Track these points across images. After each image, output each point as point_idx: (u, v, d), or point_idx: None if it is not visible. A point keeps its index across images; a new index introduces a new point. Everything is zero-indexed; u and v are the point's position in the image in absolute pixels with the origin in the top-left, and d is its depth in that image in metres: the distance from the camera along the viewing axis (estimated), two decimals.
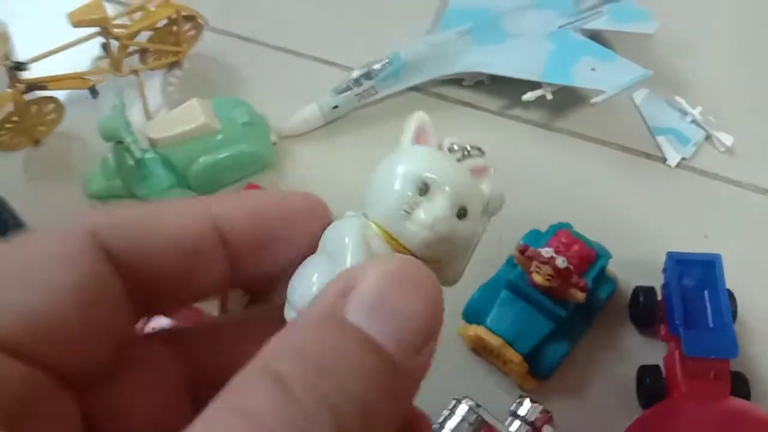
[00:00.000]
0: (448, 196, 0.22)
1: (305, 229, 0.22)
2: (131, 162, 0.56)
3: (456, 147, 0.24)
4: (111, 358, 0.19)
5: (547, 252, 0.46)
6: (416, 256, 0.21)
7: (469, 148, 0.24)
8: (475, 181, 0.23)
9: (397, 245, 0.22)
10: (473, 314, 0.51)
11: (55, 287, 0.18)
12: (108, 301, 0.19)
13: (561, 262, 0.46)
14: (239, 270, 0.22)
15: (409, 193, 0.22)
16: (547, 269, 0.46)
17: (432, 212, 0.21)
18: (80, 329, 0.18)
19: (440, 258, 0.22)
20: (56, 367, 0.18)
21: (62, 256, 0.18)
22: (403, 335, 0.18)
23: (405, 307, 0.18)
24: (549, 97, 0.62)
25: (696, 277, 0.50)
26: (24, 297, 0.17)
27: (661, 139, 0.63)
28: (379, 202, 0.22)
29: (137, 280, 0.20)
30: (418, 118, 0.24)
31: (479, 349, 0.51)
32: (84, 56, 0.64)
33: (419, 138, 0.23)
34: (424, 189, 0.22)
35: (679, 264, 0.49)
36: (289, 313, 0.22)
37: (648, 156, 0.63)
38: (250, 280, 0.23)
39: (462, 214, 0.22)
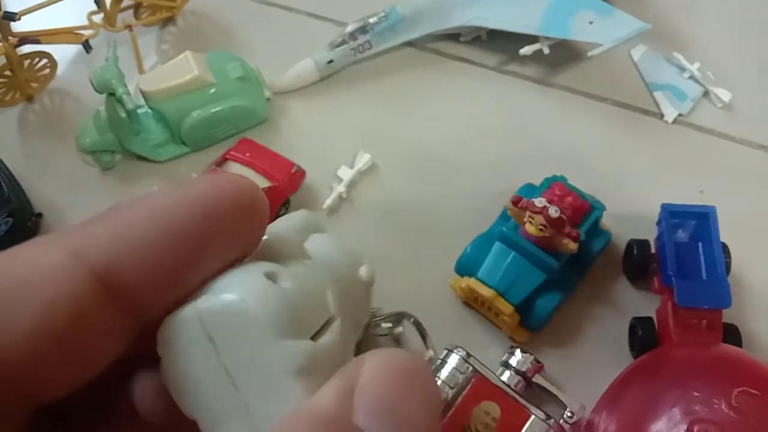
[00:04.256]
0: None
1: (234, 231, 0.18)
2: (123, 114, 0.55)
3: None
4: None
5: (539, 202, 0.46)
6: None
7: None
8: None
9: None
10: (466, 267, 0.50)
11: None
12: None
13: (553, 211, 0.46)
14: (153, 309, 0.17)
15: None
16: (539, 219, 0.46)
17: None
18: None
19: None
20: None
21: None
22: None
23: (415, 413, 0.16)
24: (546, 51, 0.61)
25: (690, 230, 0.50)
26: None
27: (658, 94, 0.62)
28: None
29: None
30: None
31: (471, 301, 0.51)
32: (78, 11, 0.63)
33: None
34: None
35: (673, 215, 0.49)
36: None
37: (645, 112, 0.62)
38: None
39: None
